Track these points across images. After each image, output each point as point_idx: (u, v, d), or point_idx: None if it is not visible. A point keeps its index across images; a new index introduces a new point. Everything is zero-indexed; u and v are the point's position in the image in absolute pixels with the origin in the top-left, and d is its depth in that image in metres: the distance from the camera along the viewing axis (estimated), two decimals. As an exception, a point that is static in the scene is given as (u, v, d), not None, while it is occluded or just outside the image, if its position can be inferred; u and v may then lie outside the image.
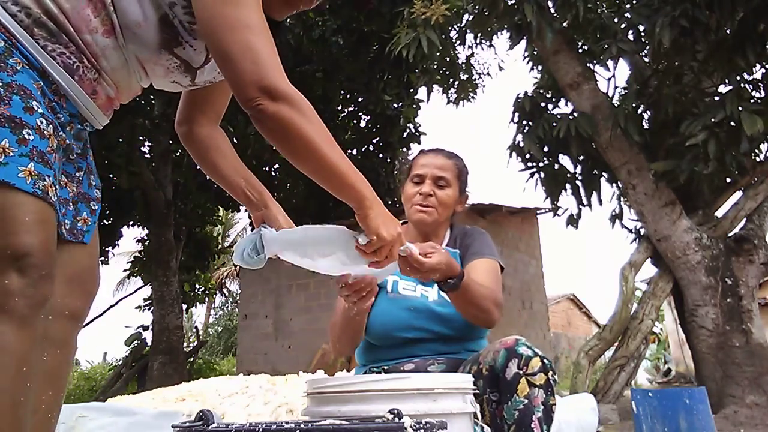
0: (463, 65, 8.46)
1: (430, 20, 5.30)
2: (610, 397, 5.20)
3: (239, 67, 0.96)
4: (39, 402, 0.97)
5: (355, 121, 11.34)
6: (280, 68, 0.99)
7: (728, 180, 5.63)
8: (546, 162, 6.25)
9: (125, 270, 12.91)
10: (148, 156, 10.69)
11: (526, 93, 6.29)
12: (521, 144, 6.00)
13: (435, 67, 7.93)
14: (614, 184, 6.43)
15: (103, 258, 11.22)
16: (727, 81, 5.23)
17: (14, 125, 0.87)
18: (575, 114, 5.74)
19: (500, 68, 9.50)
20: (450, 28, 6.67)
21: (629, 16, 5.49)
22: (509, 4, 5.51)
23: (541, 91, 6.74)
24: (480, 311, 1.50)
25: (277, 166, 10.76)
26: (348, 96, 10.77)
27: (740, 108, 4.48)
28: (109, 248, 11.50)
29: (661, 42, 4.70)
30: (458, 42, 7.73)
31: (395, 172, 10.76)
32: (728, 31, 5.01)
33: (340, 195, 1.08)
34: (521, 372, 1.32)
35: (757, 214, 5.46)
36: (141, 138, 10.15)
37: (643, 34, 5.59)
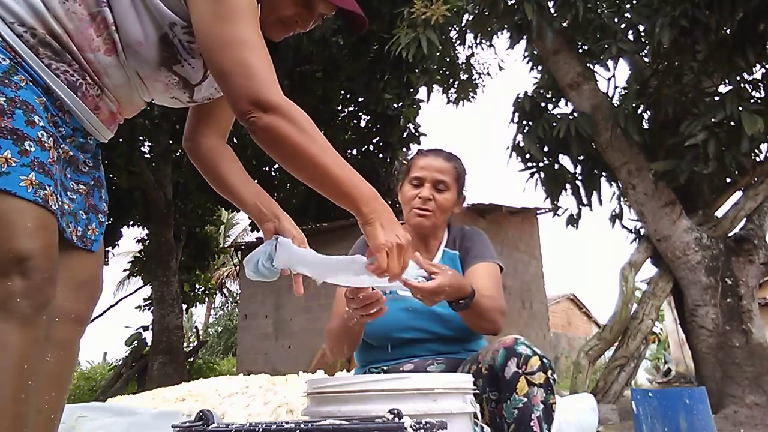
0: (463, 65, 8.46)
1: (430, 20, 5.30)
2: (610, 397, 5.20)
3: (233, 81, 1.01)
4: (42, 402, 1.00)
5: (355, 121, 11.35)
6: (273, 81, 1.02)
7: (728, 180, 5.62)
8: (546, 162, 6.24)
9: (125, 270, 12.93)
10: (148, 156, 10.70)
11: (526, 93, 6.29)
12: (521, 144, 6.00)
13: (435, 67, 7.93)
14: (614, 184, 6.42)
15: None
16: (727, 81, 5.23)
17: (16, 137, 0.91)
18: (575, 114, 5.74)
19: (500, 68, 9.51)
20: (450, 28, 6.67)
21: (629, 16, 5.49)
22: (509, 4, 5.51)
23: (541, 91, 6.74)
24: (487, 322, 1.50)
25: (276, 166, 10.76)
26: (348, 96, 10.78)
27: (740, 108, 4.48)
28: (109, 248, 11.49)
29: (661, 42, 4.70)
30: (458, 42, 7.74)
31: (395, 172, 10.76)
32: (728, 31, 5.01)
33: (339, 203, 1.09)
34: (520, 371, 1.32)
35: (757, 214, 5.45)
36: (141, 138, 10.15)
37: (643, 34, 5.59)
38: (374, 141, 11.07)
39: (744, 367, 4.86)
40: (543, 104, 6.54)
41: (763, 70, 5.39)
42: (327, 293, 8.32)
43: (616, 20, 5.70)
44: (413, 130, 10.97)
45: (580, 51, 6.20)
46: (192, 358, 12.18)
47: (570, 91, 5.80)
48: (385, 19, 7.40)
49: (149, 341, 10.74)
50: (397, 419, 0.94)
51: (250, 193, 1.32)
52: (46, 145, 0.95)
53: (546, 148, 6.15)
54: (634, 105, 5.80)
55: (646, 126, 6.11)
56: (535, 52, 6.69)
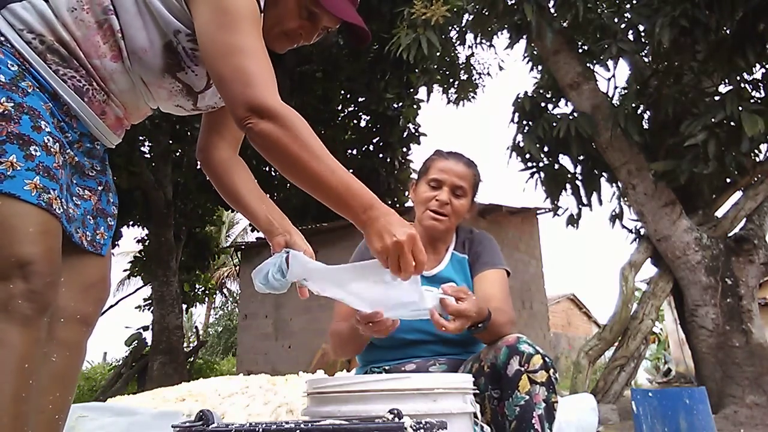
0: (463, 65, 8.46)
1: (430, 21, 5.30)
2: (610, 397, 5.20)
3: (231, 88, 1.03)
4: (46, 402, 1.01)
5: (355, 121, 11.34)
6: (272, 88, 1.03)
7: (728, 180, 5.62)
8: (546, 162, 6.24)
9: (125, 270, 12.92)
10: (148, 156, 10.69)
11: (526, 93, 6.29)
12: (521, 144, 5.99)
13: (435, 67, 7.93)
14: (614, 184, 6.42)
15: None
16: (727, 81, 5.23)
17: (22, 142, 0.93)
18: (575, 114, 5.73)
19: (500, 68, 9.51)
20: (450, 28, 6.67)
21: (629, 16, 5.49)
22: (509, 4, 5.51)
23: (541, 91, 6.74)
24: (498, 336, 1.49)
25: (276, 166, 10.77)
26: (348, 96, 10.78)
27: (740, 108, 4.47)
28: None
29: (661, 42, 4.70)
30: (458, 42, 7.74)
31: (395, 172, 10.76)
32: (728, 31, 5.01)
33: (335, 210, 1.09)
34: (523, 369, 1.33)
35: (757, 214, 5.45)
36: (141, 138, 10.15)
37: (643, 34, 5.59)
38: (374, 141, 11.06)
39: (744, 367, 4.86)
40: (543, 104, 6.54)
41: (763, 70, 5.39)
42: (327, 293, 8.30)
43: (616, 20, 5.70)
44: (413, 130, 10.97)
45: (580, 51, 6.20)
46: (192, 358, 12.18)
47: (570, 91, 5.80)
48: (385, 19, 7.41)
49: (149, 341, 10.74)
50: (397, 419, 0.94)
51: (261, 206, 1.32)
52: (52, 150, 0.97)
53: (546, 148, 6.15)
54: (634, 105, 5.79)
55: (646, 126, 6.11)
56: (535, 52, 6.69)
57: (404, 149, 10.95)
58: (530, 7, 5.10)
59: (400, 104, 10.51)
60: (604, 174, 6.31)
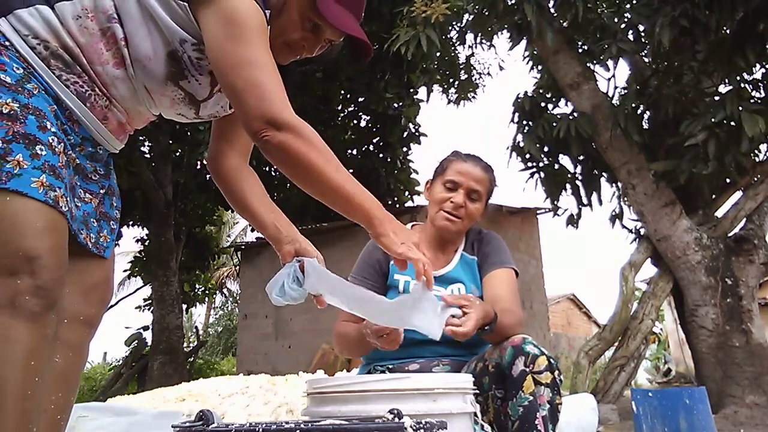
0: (463, 65, 8.46)
1: (430, 19, 5.30)
2: (610, 397, 5.19)
3: (245, 101, 1.05)
4: (49, 402, 1.01)
5: (355, 121, 11.33)
6: (285, 100, 1.06)
7: (728, 180, 5.61)
8: (546, 162, 6.24)
9: (125, 270, 12.91)
10: (148, 156, 10.69)
11: (526, 93, 6.28)
12: (521, 144, 5.99)
13: (435, 66, 7.93)
14: (614, 184, 6.42)
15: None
16: (727, 81, 5.22)
17: (28, 141, 0.96)
18: (575, 114, 5.73)
19: (500, 68, 9.51)
20: (450, 27, 6.67)
21: (629, 16, 5.48)
22: (509, 4, 5.51)
23: (541, 91, 6.73)
24: (506, 337, 1.49)
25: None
26: (348, 96, 10.76)
27: (740, 108, 4.47)
28: (110, 248, 11.47)
29: (661, 42, 4.70)
30: (458, 42, 7.73)
31: (395, 172, 10.75)
32: (728, 31, 5.01)
33: (348, 216, 1.13)
34: (528, 369, 1.33)
35: (757, 214, 5.45)
36: (141, 138, 10.15)
37: (643, 34, 5.58)
38: (374, 141, 11.04)
39: (744, 367, 4.86)
40: (543, 104, 6.54)
41: (763, 70, 5.38)
42: (327, 293, 8.30)
43: (616, 20, 5.70)
44: (413, 130, 10.96)
45: (580, 51, 6.19)
46: (192, 358, 12.18)
47: (570, 91, 5.80)
48: (385, 18, 7.40)
49: (149, 341, 10.73)
50: (397, 419, 0.94)
51: (270, 215, 1.33)
52: (56, 149, 0.99)
53: (546, 148, 6.15)
54: (634, 105, 5.79)
55: (646, 126, 6.10)
56: (535, 52, 6.68)
57: (404, 149, 10.94)
58: (530, 7, 5.10)
59: (400, 104, 10.50)
60: (604, 174, 6.31)
